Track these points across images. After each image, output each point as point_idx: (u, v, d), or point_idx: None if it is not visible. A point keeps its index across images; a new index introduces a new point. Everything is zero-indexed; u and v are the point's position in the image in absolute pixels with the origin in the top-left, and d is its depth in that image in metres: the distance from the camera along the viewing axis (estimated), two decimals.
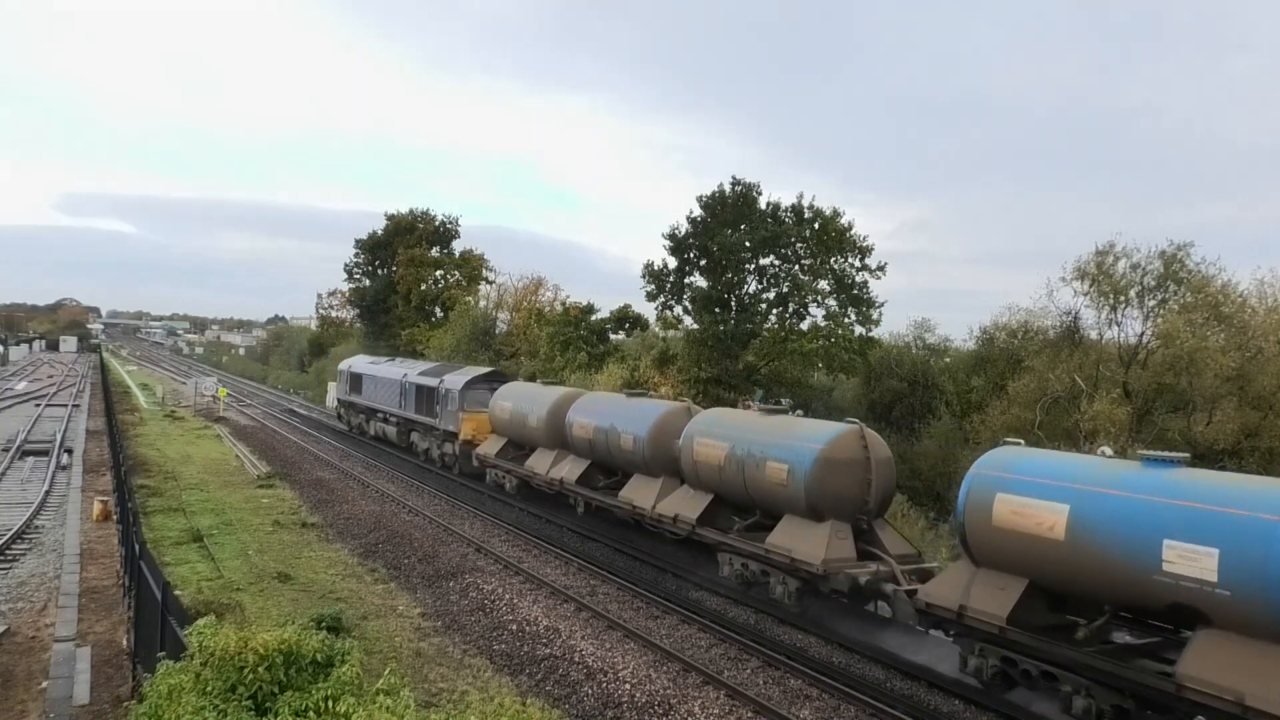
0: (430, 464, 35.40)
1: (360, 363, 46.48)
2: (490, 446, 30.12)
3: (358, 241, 71.00)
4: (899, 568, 16.19)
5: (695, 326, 37.66)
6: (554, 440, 26.40)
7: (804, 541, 16.95)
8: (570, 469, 25.33)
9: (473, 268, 66.39)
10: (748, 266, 37.15)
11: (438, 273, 67.00)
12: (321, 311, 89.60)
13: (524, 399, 28.62)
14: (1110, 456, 13.85)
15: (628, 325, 48.08)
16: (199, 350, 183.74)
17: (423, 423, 35.89)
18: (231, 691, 8.05)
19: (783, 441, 18.07)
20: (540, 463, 26.77)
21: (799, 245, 36.46)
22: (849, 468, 17.09)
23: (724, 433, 19.71)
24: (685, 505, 20.51)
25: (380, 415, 41.25)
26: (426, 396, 35.04)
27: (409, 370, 38.33)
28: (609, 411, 24.12)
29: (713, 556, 19.78)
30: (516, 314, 54.53)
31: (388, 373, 40.51)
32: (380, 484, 31.77)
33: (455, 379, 33.30)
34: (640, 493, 22.18)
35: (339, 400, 49.27)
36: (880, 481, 17.25)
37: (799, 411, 20.95)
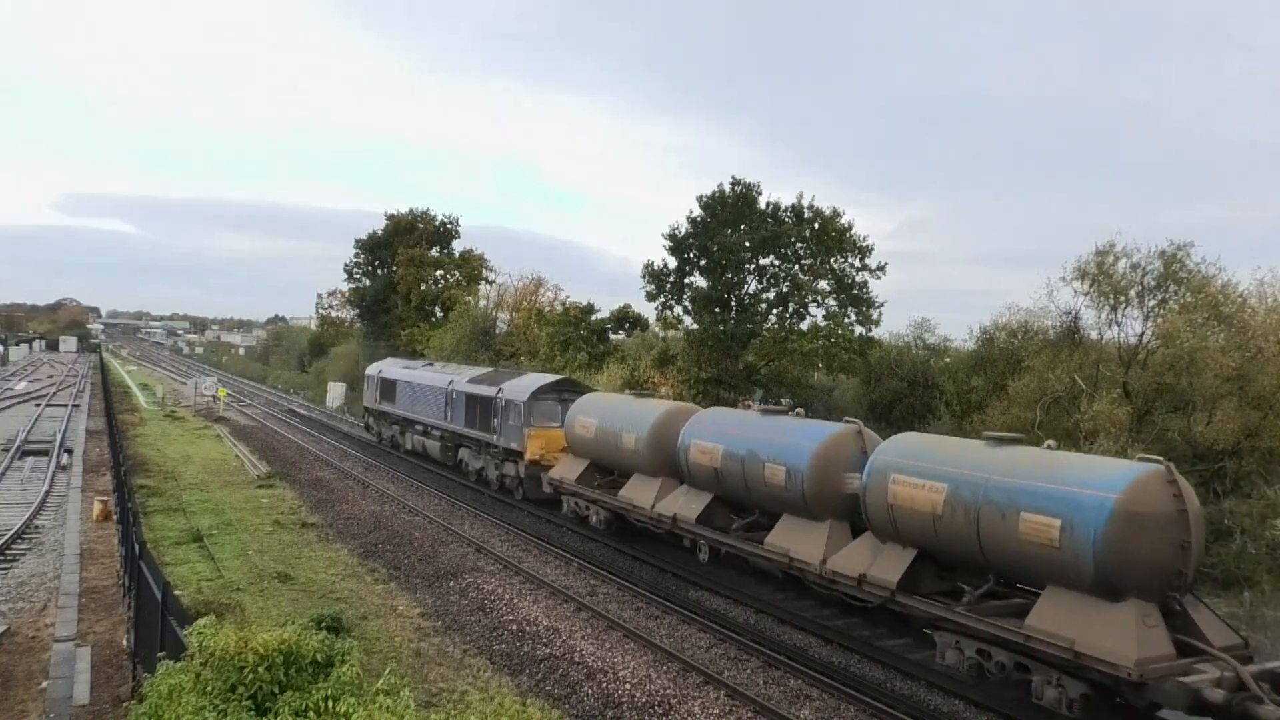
0: (482, 486, 30.61)
1: (393, 367, 41.51)
2: (568, 470, 25.20)
3: (358, 241, 71.04)
4: (1244, 669, 11.74)
5: (695, 326, 37.67)
6: (659, 466, 21.84)
7: (1095, 629, 12.37)
8: (686, 504, 20.64)
9: (473, 268, 66.40)
10: (748, 266, 37.15)
11: (438, 273, 67.00)
12: (321, 311, 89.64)
13: (614, 414, 23.72)
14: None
15: (628, 325, 48.09)
16: (199, 350, 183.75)
17: (475, 438, 31.04)
18: (231, 691, 8.05)
19: (1052, 484, 13.17)
20: (641, 493, 22.08)
21: (799, 245, 36.47)
22: (1159, 525, 12.50)
23: (941, 468, 14.75)
24: (876, 562, 15.65)
25: (419, 427, 36.59)
26: (481, 408, 30.23)
27: (456, 377, 33.70)
28: (743, 434, 19.46)
29: (907, 627, 16.34)
30: (516, 314, 54.53)
31: (429, 379, 35.88)
32: (380, 484, 31.77)
33: (518, 388, 28.53)
34: (799, 540, 17.39)
35: (366, 409, 44.57)
36: (1199, 543, 12.91)
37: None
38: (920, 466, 14.99)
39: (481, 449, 30.85)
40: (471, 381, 31.93)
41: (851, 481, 16.93)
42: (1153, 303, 27.25)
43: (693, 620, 17.27)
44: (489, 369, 35.67)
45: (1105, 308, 27.93)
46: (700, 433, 20.52)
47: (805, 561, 16.95)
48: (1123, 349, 27.88)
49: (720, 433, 19.98)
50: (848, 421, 18.28)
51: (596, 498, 23.69)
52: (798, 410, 21.04)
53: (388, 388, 40.04)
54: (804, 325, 36.65)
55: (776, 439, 18.46)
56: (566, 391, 27.99)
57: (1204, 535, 13.43)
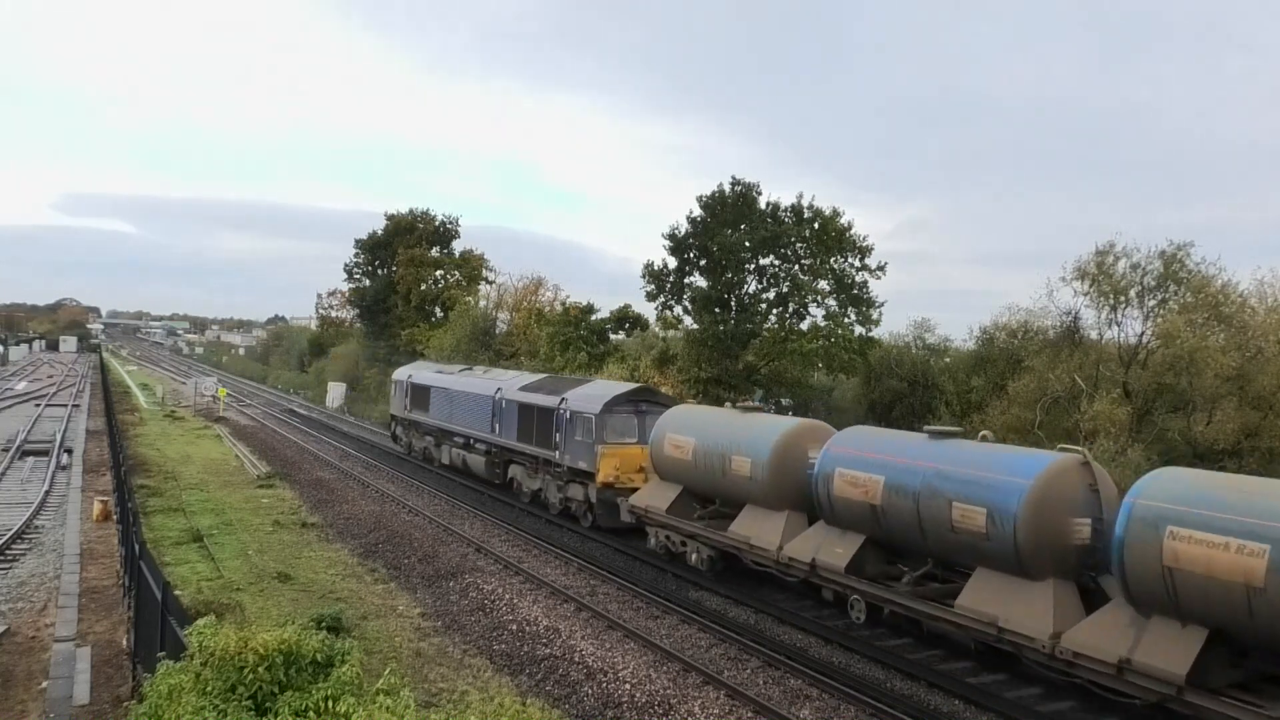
0: (540, 509, 26.93)
1: (426, 372, 37.69)
2: (656, 497, 21.35)
3: (358, 241, 71.05)
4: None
5: (695, 326, 37.67)
6: (783, 497, 18.04)
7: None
8: (828, 547, 16.75)
9: (473, 268, 66.41)
10: (748, 266, 37.16)
11: (438, 273, 67.01)
12: (321, 311, 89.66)
13: (718, 433, 19.72)
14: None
15: (628, 325, 48.08)
16: (199, 350, 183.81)
17: (531, 455, 27.19)
18: (231, 691, 8.05)
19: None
20: (760, 530, 18.20)
21: (799, 245, 36.48)
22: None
23: (1263, 526, 10.65)
24: (1145, 645, 11.84)
25: (459, 439, 32.79)
26: (539, 421, 26.44)
27: (504, 384, 29.84)
28: (915, 462, 15.45)
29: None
30: (516, 314, 54.52)
31: (472, 386, 32.02)
32: (380, 484, 31.78)
33: (587, 398, 24.84)
34: (1010, 605, 13.64)
35: (394, 417, 40.60)
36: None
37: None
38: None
39: (539, 467, 26.95)
40: (525, 389, 28.14)
41: (1081, 529, 13.54)
42: (1153, 303, 27.28)
43: (693, 620, 17.26)
44: (544, 375, 31.85)
45: (1105, 308, 27.98)
46: (848, 459, 16.68)
47: (1026, 636, 13.12)
48: (1123, 349, 27.90)
49: (881, 460, 16.09)
50: (1064, 449, 14.50)
51: (698, 532, 19.81)
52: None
53: (419, 394, 36.34)
54: (804, 325, 36.65)
55: (968, 471, 14.61)
56: (644, 403, 24.43)
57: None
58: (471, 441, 31.52)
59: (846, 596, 16.49)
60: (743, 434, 19.12)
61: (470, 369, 36.10)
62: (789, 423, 19.32)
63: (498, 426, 29.10)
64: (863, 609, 16.18)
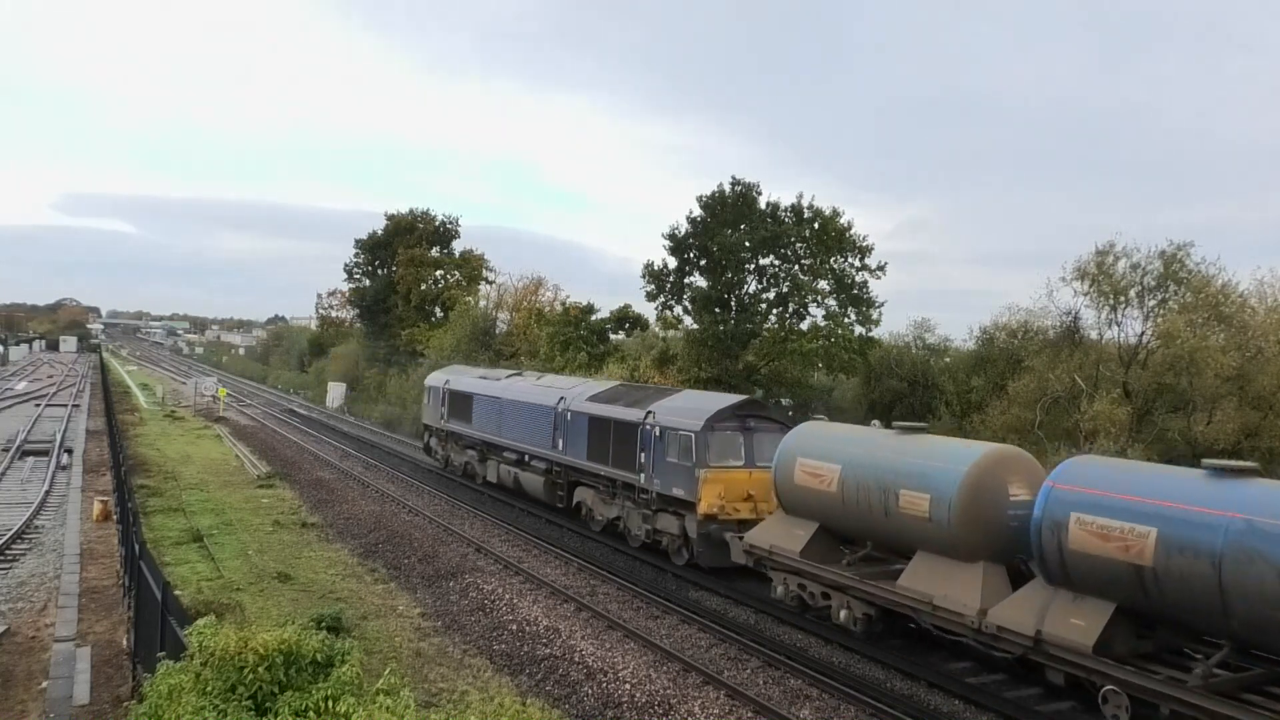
0: (615, 540, 23.08)
1: (467, 377, 33.61)
2: (781, 534, 17.50)
3: (358, 241, 71.09)
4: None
5: (695, 326, 37.67)
6: (980, 546, 14.30)
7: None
8: (1059, 616, 12.91)
9: (473, 268, 66.43)
10: (748, 266, 37.15)
11: (438, 273, 67.04)
12: (321, 311, 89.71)
13: (873, 459, 16.08)
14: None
15: (628, 325, 48.08)
16: (199, 350, 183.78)
17: (605, 477, 23.34)
18: (231, 691, 8.06)
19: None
20: (949, 588, 14.34)
21: (799, 245, 36.47)
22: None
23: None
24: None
25: (510, 455, 28.88)
26: (617, 437, 22.66)
27: (569, 392, 25.89)
28: (1213, 509, 11.45)
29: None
30: (516, 314, 54.53)
31: (527, 394, 28.10)
32: (380, 484, 31.78)
33: (682, 411, 21.01)
34: None
35: (427, 427, 36.61)
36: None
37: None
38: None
39: (617, 492, 23.02)
40: (596, 400, 24.48)
41: None
42: (1153, 303, 27.27)
43: (693, 620, 17.27)
44: (615, 383, 27.22)
45: (1105, 308, 27.96)
46: (1092, 502, 12.66)
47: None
48: (1123, 349, 27.89)
49: (1151, 507, 12.06)
50: None
51: (851, 584, 15.95)
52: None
53: (459, 403, 32.37)
54: (804, 325, 36.65)
55: None
56: (751, 417, 20.64)
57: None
58: (527, 458, 27.69)
59: (1090, 683, 12.61)
60: (914, 462, 15.33)
61: (520, 374, 32.14)
62: (980, 450, 15.16)
63: (561, 442, 25.29)
64: (1125, 707, 11.98)
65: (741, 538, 18.39)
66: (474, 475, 31.88)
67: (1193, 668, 11.95)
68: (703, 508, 19.45)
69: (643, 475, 21.49)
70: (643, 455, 21.51)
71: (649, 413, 21.68)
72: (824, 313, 36.23)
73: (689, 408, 21.11)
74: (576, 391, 25.74)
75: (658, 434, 21.02)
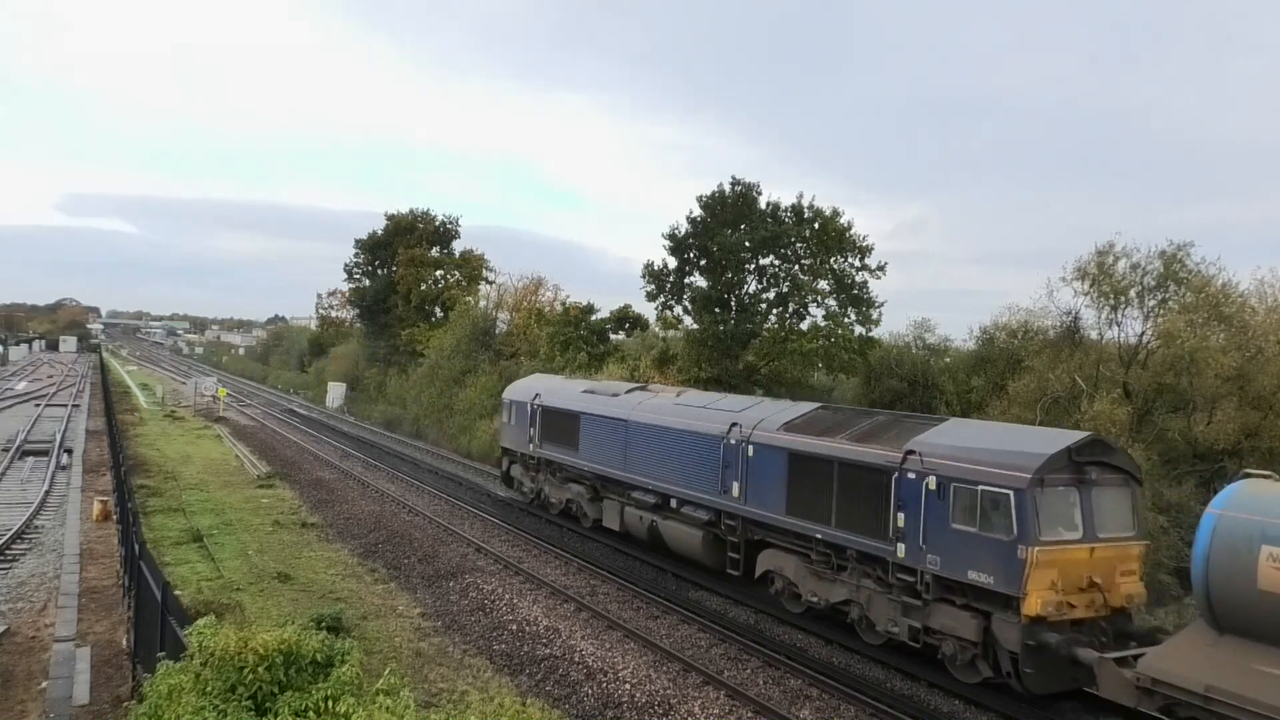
0: (835, 631, 16.68)
1: (567, 391, 26.44)
2: (1225, 671, 11.26)
3: (358, 241, 71.06)
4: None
5: (695, 326, 37.66)
6: None
7: None
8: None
9: (473, 268, 66.41)
10: (748, 266, 37.14)
11: (438, 273, 67.02)
12: (321, 311, 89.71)
13: None
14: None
15: (628, 325, 48.09)
16: (199, 350, 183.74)
17: (825, 542, 16.48)
18: (231, 691, 8.06)
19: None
20: None
21: (799, 245, 36.48)
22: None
23: None
24: None
25: (644, 497, 21.83)
26: (848, 484, 16.07)
27: (744, 414, 19.36)
28: None
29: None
30: (516, 314, 54.52)
31: (670, 415, 21.35)
32: (380, 484, 31.77)
33: (974, 451, 14.40)
34: None
35: (508, 452, 29.29)
36: None
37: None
38: None
39: (847, 566, 16.24)
40: (799, 430, 17.73)
41: None
42: (1153, 303, 27.24)
43: (693, 620, 17.27)
44: (814, 406, 19.31)
45: (1105, 308, 27.92)
46: None
47: None
48: (1123, 349, 27.87)
49: None
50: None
51: None
52: None
53: (559, 424, 25.53)
54: (804, 325, 36.65)
55: None
56: (1093, 464, 14.02)
57: None
58: (673, 503, 20.80)
59: None
60: None
61: (644, 388, 25.03)
62: None
63: (736, 486, 18.62)
64: None
65: (1129, 661, 12.43)
66: (580, 516, 25.20)
67: None
68: (1031, 605, 13.02)
69: (900, 546, 14.84)
70: (900, 516, 14.87)
71: (911, 453, 14.92)
72: (824, 313, 36.22)
73: (990, 448, 14.28)
74: (755, 416, 18.98)
75: (932, 487, 14.40)
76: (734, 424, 19.02)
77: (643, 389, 24.80)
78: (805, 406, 19.22)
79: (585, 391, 25.66)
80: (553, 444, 25.98)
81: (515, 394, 28.90)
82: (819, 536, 16.58)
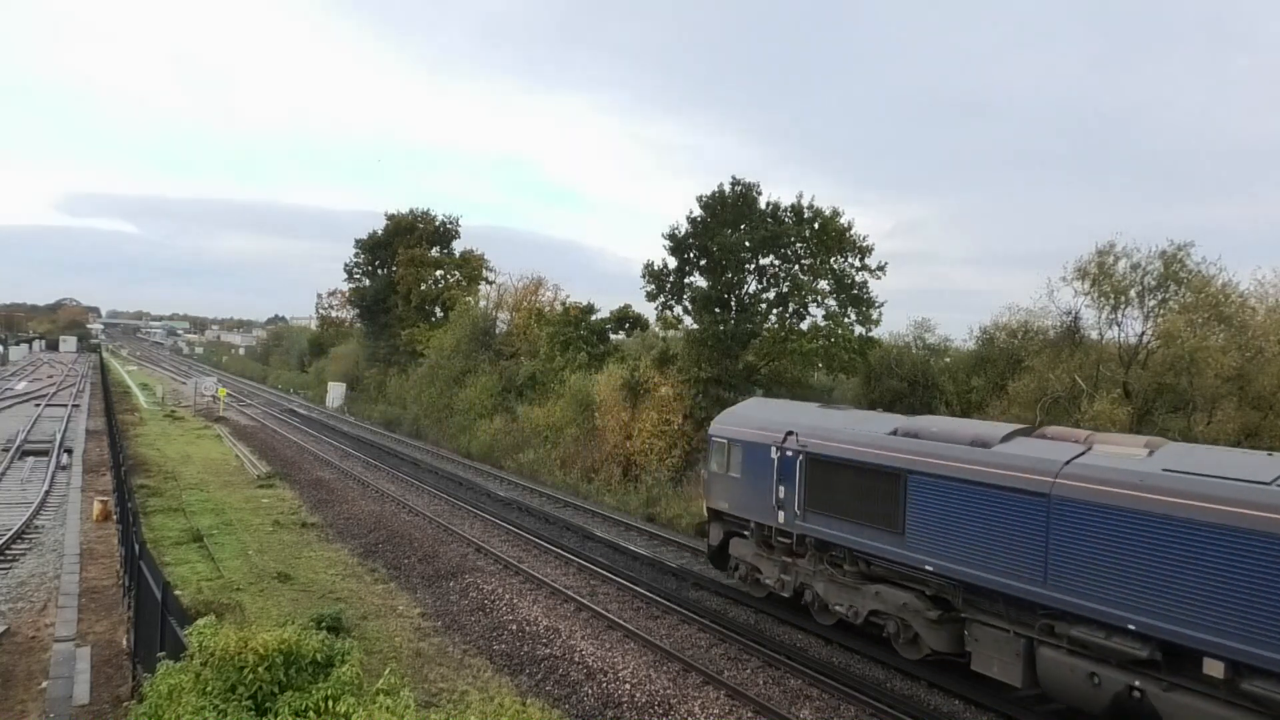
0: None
1: (856, 429, 16.34)
2: None
3: (358, 241, 71.06)
4: None
5: (695, 326, 37.64)
6: None
7: None
8: None
9: (473, 268, 66.41)
10: (748, 266, 37.12)
11: (438, 273, 67.02)
12: (321, 311, 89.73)
13: None
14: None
15: (628, 325, 48.08)
16: (199, 350, 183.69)
17: None
18: (231, 691, 8.06)
19: None
20: None
21: (799, 245, 36.46)
22: None
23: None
24: None
25: (1101, 639, 11.71)
26: None
27: None
28: None
29: None
30: (516, 314, 54.51)
31: (1165, 490, 11.05)
32: (380, 484, 31.76)
33: None
34: None
35: (719, 515, 19.24)
36: None
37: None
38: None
39: None
40: None
41: None
42: (1153, 303, 27.23)
43: (693, 620, 17.26)
44: None
45: (1105, 308, 27.91)
46: None
47: None
48: (1123, 349, 27.87)
49: None
50: None
51: None
52: None
53: (851, 484, 15.78)
54: (804, 325, 36.63)
55: None
56: None
57: None
58: (1222, 670, 10.61)
59: None
60: None
61: (1030, 432, 14.44)
62: None
63: None
64: None
65: None
66: (847, 622, 16.23)
67: None
68: None
69: None
70: None
71: None
72: (824, 313, 36.21)
73: None
74: None
75: None
76: None
77: (1041, 437, 13.97)
78: None
79: (902, 434, 15.31)
80: (836, 516, 16.10)
81: (741, 428, 18.75)
82: None
